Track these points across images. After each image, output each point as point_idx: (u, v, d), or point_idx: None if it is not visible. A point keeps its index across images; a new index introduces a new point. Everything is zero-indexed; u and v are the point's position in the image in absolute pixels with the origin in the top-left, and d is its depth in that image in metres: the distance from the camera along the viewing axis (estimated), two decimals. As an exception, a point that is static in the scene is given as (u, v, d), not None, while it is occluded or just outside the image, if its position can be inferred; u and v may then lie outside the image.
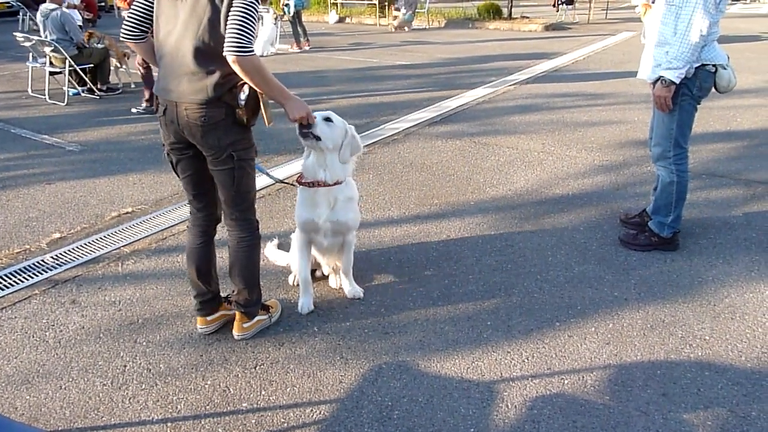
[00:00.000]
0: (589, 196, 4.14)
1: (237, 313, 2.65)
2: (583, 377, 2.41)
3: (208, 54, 2.20)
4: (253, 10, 2.13)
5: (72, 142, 5.67)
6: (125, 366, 2.53)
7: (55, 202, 4.26)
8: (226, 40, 2.11)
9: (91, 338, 2.71)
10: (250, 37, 2.13)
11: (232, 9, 2.12)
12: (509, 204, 4.04)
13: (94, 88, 7.62)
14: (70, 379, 2.45)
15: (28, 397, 2.36)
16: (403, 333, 2.70)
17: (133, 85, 8.06)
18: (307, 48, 11.59)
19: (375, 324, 2.77)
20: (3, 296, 3.05)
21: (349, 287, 2.99)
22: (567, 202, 4.04)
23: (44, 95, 7.39)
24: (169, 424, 2.21)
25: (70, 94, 7.40)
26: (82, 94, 7.62)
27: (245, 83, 2.25)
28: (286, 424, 2.20)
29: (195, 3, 2.18)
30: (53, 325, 2.81)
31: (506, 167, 4.72)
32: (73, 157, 5.27)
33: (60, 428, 2.20)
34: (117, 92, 7.81)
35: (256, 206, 2.59)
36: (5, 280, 3.19)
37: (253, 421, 2.22)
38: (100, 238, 3.68)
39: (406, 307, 2.89)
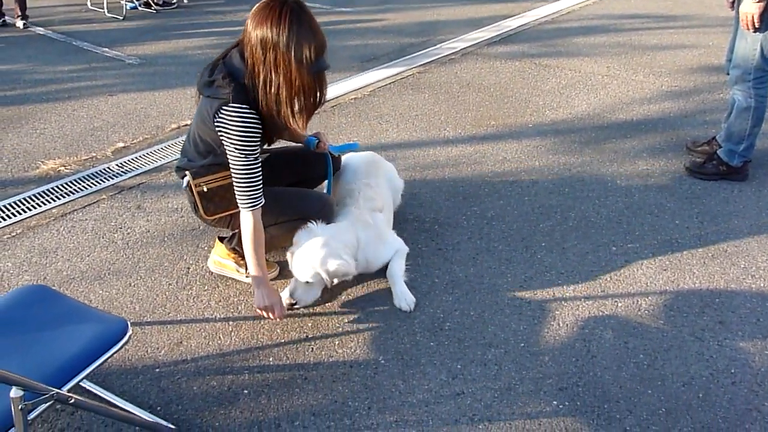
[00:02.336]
0: (654, 122, 3.96)
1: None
2: (637, 301, 2.40)
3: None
4: (239, 164, 2.06)
5: (131, 56, 5.74)
6: (188, 268, 2.65)
7: (118, 113, 4.37)
8: None
9: (156, 241, 2.84)
10: (241, 192, 2.09)
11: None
12: (569, 128, 3.91)
13: (151, 2, 7.60)
14: (139, 278, 2.60)
15: (100, 292, 2.51)
16: (456, 249, 2.72)
17: (185, 0, 8.01)
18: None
19: (428, 240, 2.79)
20: (74, 199, 3.20)
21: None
22: (630, 128, 3.88)
23: (103, 9, 7.44)
24: (230, 323, 2.33)
25: (128, 7, 7.41)
26: (140, 8, 7.63)
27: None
28: (340, 329, 2.29)
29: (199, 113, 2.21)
30: (121, 228, 2.95)
31: (567, 90, 4.53)
32: (133, 70, 5.35)
33: (130, 320, 2.35)
34: (172, 6, 7.79)
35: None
36: (75, 185, 3.35)
37: (309, 324, 2.32)
38: (162, 148, 3.78)
39: (460, 225, 2.90)
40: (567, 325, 2.28)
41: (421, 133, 3.89)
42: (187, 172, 2.24)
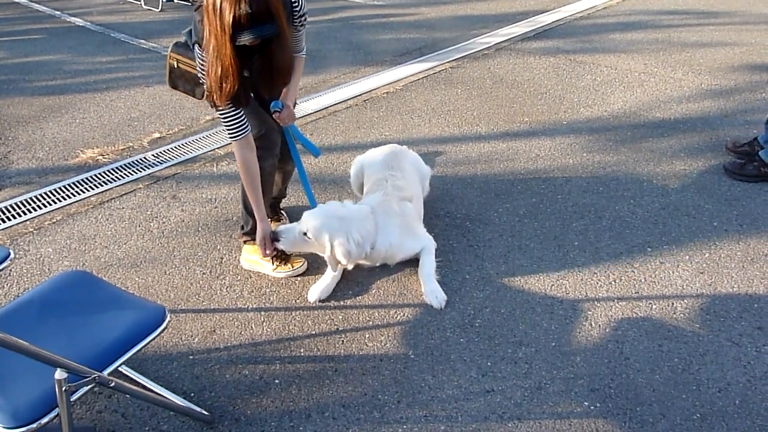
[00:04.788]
0: (693, 121, 3.87)
1: None
2: (672, 304, 2.35)
3: None
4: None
5: (167, 47, 5.82)
6: (222, 258, 2.69)
7: (154, 104, 4.45)
8: None
9: (191, 231, 2.89)
10: (224, 127, 2.21)
11: None
12: (604, 125, 3.85)
13: (186, -5, 7.71)
14: (173, 266, 2.65)
15: (137, 279, 2.57)
16: (487, 247, 2.71)
17: (222, -7, 8.09)
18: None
19: (459, 236, 2.79)
20: (111, 188, 3.27)
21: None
22: (668, 127, 3.80)
23: (140, 1, 7.57)
24: (262, 313, 2.36)
25: (164, 0, 7.53)
26: (175, 1, 7.74)
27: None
28: (370, 322, 2.30)
29: None
30: (156, 217, 3.00)
31: (603, 87, 4.46)
32: (169, 62, 5.42)
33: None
34: (207, -1, 7.87)
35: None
36: (113, 174, 3.42)
37: (340, 317, 2.33)
38: (196, 139, 3.84)
39: (491, 222, 2.88)
40: (599, 325, 2.26)
41: (453, 129, 3.87)
42: (175, 41, 2.41)
